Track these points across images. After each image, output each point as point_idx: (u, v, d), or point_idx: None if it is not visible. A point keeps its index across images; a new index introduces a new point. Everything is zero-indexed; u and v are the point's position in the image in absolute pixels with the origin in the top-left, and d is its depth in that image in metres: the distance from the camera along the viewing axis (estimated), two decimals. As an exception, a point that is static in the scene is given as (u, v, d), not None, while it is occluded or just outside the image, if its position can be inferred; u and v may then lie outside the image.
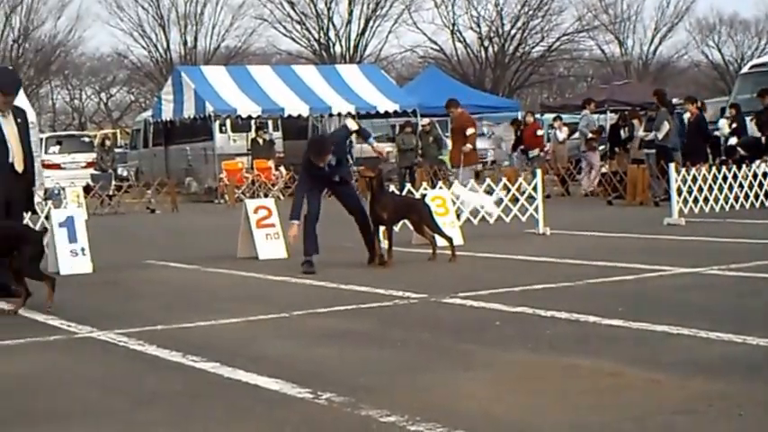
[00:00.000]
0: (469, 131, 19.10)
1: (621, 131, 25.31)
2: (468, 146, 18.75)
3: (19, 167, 10.56)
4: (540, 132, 28.29)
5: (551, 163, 28.14)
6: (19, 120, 10.69)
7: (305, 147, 12.72)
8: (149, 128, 36.34)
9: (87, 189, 26.99)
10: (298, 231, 12.10)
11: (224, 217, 22.50)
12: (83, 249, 12.84)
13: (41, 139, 31.67)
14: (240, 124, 32.07)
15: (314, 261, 12.03)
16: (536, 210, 15.91)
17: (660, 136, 22.06)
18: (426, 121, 31.44)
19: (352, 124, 13.04)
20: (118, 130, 58.23)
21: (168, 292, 10.92)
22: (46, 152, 33.01)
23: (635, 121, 24.30)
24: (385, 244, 12.42)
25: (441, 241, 12.91)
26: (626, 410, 5.48)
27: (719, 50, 71.35)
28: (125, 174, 35.99)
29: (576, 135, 29.98)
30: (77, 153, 35.00)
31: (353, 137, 13.06)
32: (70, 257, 12.75)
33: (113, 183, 28.13)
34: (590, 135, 26.35)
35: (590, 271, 11.11)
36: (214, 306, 9.66)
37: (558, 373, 6.44)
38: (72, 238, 12.83)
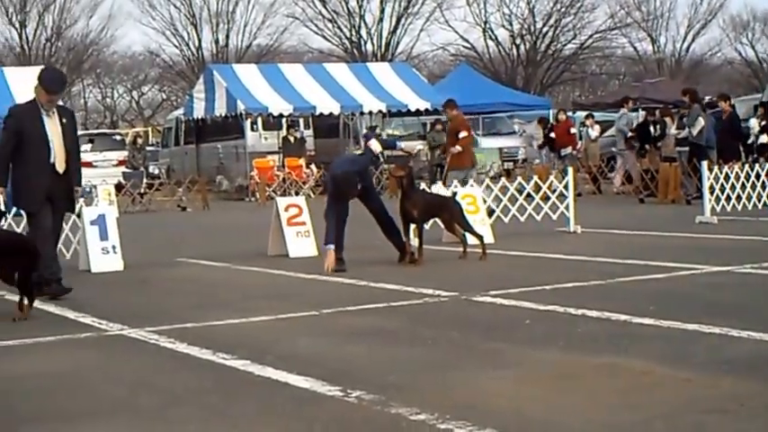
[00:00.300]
0: (462, 134, 19.17)
1: (651, 129, 25.15)
2: (458, 148, 18.85)
3: (60, 168, 10.42)
4: (573, 130, 28.13)
5: (583, 161, 28.01)
6: (64, 119, 10.52)
7: (332, 160, 12.72)
8: (181, 126, 36.42)
9: (119, 187, 27.09)
10: (333, 257, 12.04)
11: (255, 215, 22.49)
12: (114, 247, 12.88)
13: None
14: (271, 122, 32.08)
15: (344, 259, 12.02)
16: (567, 208, 15.87)
17: (694, 132, 21.94)
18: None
19: (376, 146, 12.97)
20: (149, 129, 58.32)
21: (199, 289, 10.94)
22: (78, 150, 33.10)
23: (667, 119, 24.13)
24: (415, 242, 12.40)
25: (471, 239, 12.88)
26: (656, 409, 5.46)
27: (753, 48, 70.76)
28: (156, 172, 36.02)
29: (609, 133, 29.89)
30: (109, 151, 35.03)
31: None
32: (101, 255, 12.80)
33: (145, 181, 28.23)
34: (629, 134, 26.18)
35: (621, 269, 11.07)
36: (245, 304, 9.68)
37: (589, 371, 6.41)
38: (103, 235, 12.86)
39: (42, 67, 12.47)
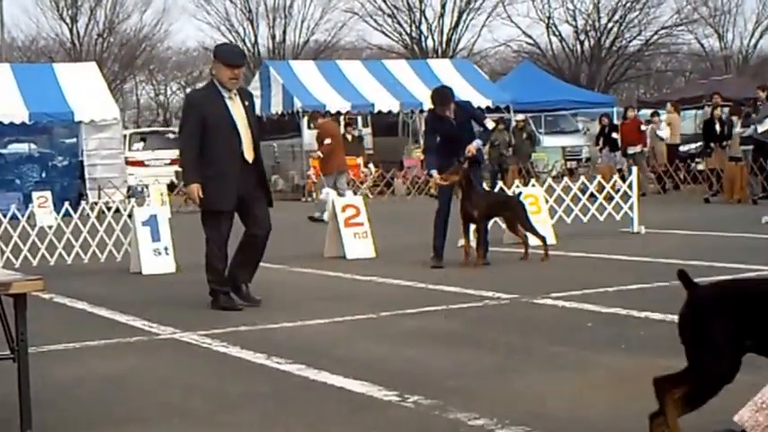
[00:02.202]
0: (326, 141, 20.50)
1: (717, 127, 24.81)
2: (319, 153, 20.51)
3: (249, 157, 9.54)
4: (642, 128, 27.80)
5: (649, 160, 27.69)
6: (246, 102, 9.69)
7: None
8: (236, 124, 36.52)
9: (171, 187, 27.14)
10: None
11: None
12: (166, 248, 12.81)
13: (125, 136, 31.89)
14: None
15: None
16: (631, 208, 15.68)
17: (760, 130, 21.61)
18: (521, 117, 31.21)
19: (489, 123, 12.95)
20: (203, 127, 58.51)
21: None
22: (129, 149, 33.24)
23: (734, 118, 23.80)
24: (475, 243, 12.25)
25: (533, 240, 12.71)
26: (720, 413, 5.32)
27: (824, 43, 69.81)
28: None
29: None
30: (161, 150, 35.07)
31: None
32: (153, 257, 12.72)
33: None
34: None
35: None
36: (300, 306, 9.62)
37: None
38: (155, 236, 12.78)
39: (218, 44, 11.43)
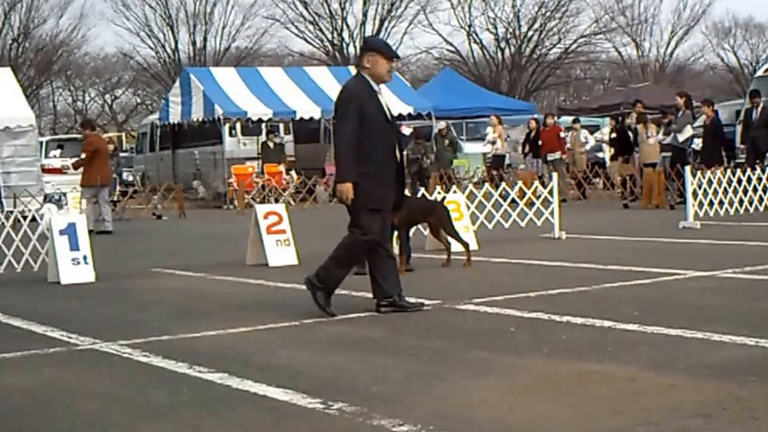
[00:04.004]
0: (82, 156, 20.86)
1: (629, 133, 25.22)
2: (69, 165, 21.46)
3: (398, 154, 9.24)
4: (562, 135, 28.09)
5: (569, 166, 27.99)
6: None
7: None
8: (156, 131, 36.14)
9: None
10: None
11: (233, 223, 22.43)
12: (85, 257, 12.58)
13: (41, 143, 31.38)
14: (250, 127, 31.97)
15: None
16: (552, 214, 15.81)
17: (681, 139, 21.99)
18: (442, 124, 31.34)
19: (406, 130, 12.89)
20: (123, 134, 57.90)
21: (175, 300, 10.78)
22: (46, 156, 32.71)
23: (639, 126, 24.22)
24: (398, 249, 12.25)
25: (455, 246, 12.76)
26: (641, 415, 5.42)
27: (735, 54, 71.44)
28: (130, 179, 35.78)
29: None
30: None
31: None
32: (71, 266, 12.48)
33: (118, 188, 27.91)
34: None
35: (605, 275, 11.04)
36: (222, 315, 9.54)
37: (574, 378, 6.38)
38: (74, 245, 12.53)
39: (368, 37, 10.70)
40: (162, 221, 25.41)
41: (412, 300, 9.33)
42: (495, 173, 27.82)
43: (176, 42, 64.19)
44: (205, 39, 64.16)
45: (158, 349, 7.81)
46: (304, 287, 11.01)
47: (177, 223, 24.77)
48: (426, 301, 9.63)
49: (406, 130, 12.87)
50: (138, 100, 71.49)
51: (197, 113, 30.86)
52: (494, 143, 29.21)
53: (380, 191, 9.07)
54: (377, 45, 9.37)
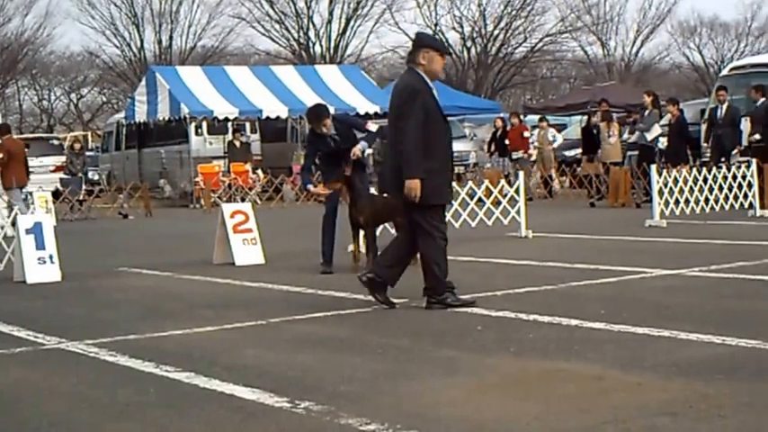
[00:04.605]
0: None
1: (595, 132, 25.33)
2: None
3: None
4: (526, 134, 28.16)
5: (534, 164, 28.06)
6: None
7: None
8: (122, 130, 35.93)
9: (56, 194, 26.66)
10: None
11: (199, 222, 22.32)
12: (51, 257, 12.49)
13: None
14: (216, 126, 31.86)
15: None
16: (518, 212, 15.84)
17: (649, 138, 22.11)
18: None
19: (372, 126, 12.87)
20: (89, 133, 57.56)
21: (141, 300, 10.73)
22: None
23: (602, 125, 24.33)
24: (364, 248, 12.25)
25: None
26: (608, 414, 5.44)
27: (700, 52, 71.84)
28: (96, 178, 35.58)
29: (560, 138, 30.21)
30: (45, 156, 34.35)
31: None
32: (37, 265, 12.38)
33: (84, 187, 27.70)
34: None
35: (572, 274, 11.07)
36: (189, 314, 9.51)
37: (540, 377, 6.40)
38: (40, 245, 12.43)
39: (420, 33, 10.70)
40: (128, 221, 25.28)
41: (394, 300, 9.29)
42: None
43: (142, 41, 63.83)
44: (171, 37, 63.80)
45: (125, 349, 7.77)
46: (272, 286, 11.06)
47: (143, 222, 24.66)
48: (393, 300, 9.64)
49: (373, 127, 12.81)
50: (104, 99, 71.04)
51: (163, 112, 30.71)
52: None
53: (444, 186, 9.19)
54: (433, 42, 9.55)
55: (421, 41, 9.46)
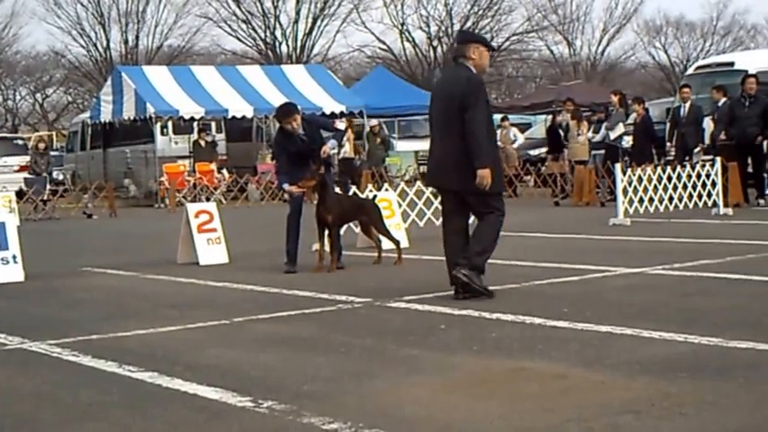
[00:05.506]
0: None
1: (560, 131, 25.43)
2: None
3: None
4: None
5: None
6: None
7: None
8: (87, 130, 35.76)
9: (20, 194, 26.50)
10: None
11: (164, 222, 22.27)
12: (14, 257, 12.37)
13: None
14: (182, 126, 31.78)
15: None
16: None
17: (612, 137, 22.22)
18: (375, 122, 31.39)
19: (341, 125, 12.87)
20: (54, 133, 57.12)
21: (105, 300, 10.67)
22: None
23: (572, 123, 24.42)
24: (329, 247, 12.25)
25: (386, 244, 12.79)
26: (571, 412, 5.45)
27: (666, 52, 72.29)
28: (61, 177, 35.38)
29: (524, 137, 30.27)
30: (9, 156, 34.20)
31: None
32: (0, 265, 12.28)
33: (48, 187, 27.50)
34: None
35: (535, 272, 11.10)
36: (153, 314, 9.46)
37: (504, 375, 6.40)
38: (3, 245, 12.31)
39: (465, 29, 10.91)
40: (92, 220, 25.16)
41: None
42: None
43: (108, 41, 63.47)
44: (137, 37, 63.51)
45: (88, 349, 7.73)
46: (236, 285, 11.03)
47: (108, 222, 24.53)
48: (357, 299, 9.66)
49: (341, 125, 12.86)
50: (70, 98, 70.58)
51: (128, 112, 30.59)
52: None
53: (501, 175, 9.71)
54: (481, 37, 9.90)
55: (469, 37, 9.98)
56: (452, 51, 9.92)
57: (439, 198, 16.67)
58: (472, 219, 9.99)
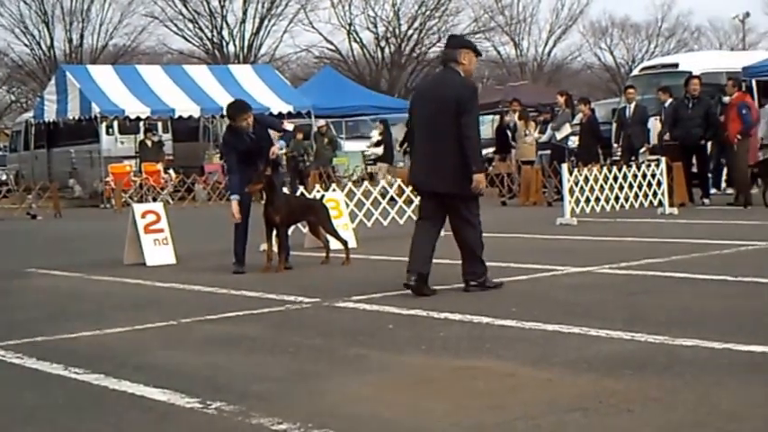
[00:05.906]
0: None
1: (508, 132, 25.52)
2: None
3: None
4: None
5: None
6: None
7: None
8: (31, 129, 35.36)
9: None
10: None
11: (110, 222, 22.10)
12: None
13: None
14: (128, 126, 31.58)
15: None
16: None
17: (559, 137, 22.35)
18: (322, 122, 31.36)
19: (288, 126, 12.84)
20: (-4, 132, 56.63)
21: (50, 301, 10.58)
22: None
23: (519, 123, 24.53)
24: (277, 247, 12.22)
25: (334, 244, 12.78)
26: (519, 410, 5.48)
27: (611, 53, 73.00)
28: (4, 178, 35.08)
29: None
30: None
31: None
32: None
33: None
34: None
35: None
36: (99, 315, 9.39)
37: (451, 374, 6.42)
38: (-53, 246, 12.30)
39: (456, 35, 11.17)
40: (37, 221, 24.90)
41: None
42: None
43: (52, 39, 62.84)
44: (82, 36, 62.94)
45: (32, 351, 7.65)
46: (183, 286, 10.98)
47: (52, 223, 24.30)
48: (305, 299, 9.64)
49: (289, 126, 12.82)
50: (13, 98, 69.86)
51: (73, 111, 30.35)
52: (378, 145, 29.39)
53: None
54: (470, 43, 10.04)
55: (459, 42, 9.98)
56: (442, 55, 9.97)
57: (386, 198, 16.78)
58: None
